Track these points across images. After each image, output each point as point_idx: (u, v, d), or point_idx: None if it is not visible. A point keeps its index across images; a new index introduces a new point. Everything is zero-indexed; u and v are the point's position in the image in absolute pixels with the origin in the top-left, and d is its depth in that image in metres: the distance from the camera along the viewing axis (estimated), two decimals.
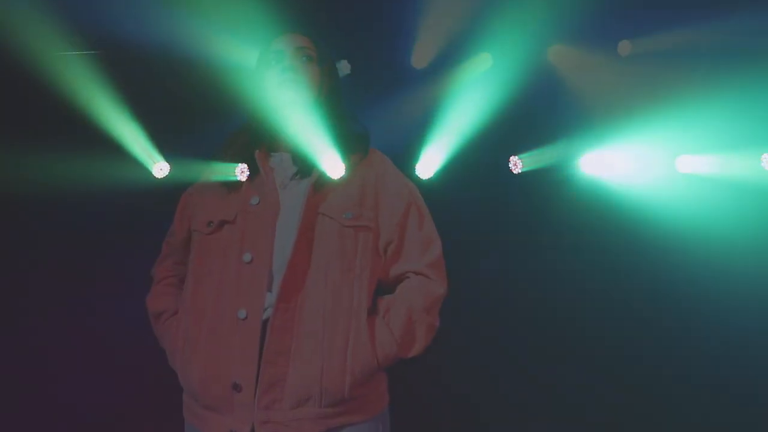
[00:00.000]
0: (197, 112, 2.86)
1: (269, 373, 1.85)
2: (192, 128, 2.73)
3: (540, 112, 3.16)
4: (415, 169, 2.88)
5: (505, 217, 3.31)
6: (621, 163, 2.99)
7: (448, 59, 3.11)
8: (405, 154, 2.84)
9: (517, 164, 2.95)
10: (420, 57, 3.13)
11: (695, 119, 2.87)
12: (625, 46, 3.02)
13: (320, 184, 2.00)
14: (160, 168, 2.62)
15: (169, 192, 2.37)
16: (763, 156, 2.74)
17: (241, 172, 2.08)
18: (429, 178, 2.89)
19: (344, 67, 2.98)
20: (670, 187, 2.97)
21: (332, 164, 2.01)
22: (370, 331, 1.93)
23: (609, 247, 3.21)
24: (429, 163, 2.90)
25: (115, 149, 2.59)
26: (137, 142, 2.58)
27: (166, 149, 2.62)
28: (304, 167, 2.02)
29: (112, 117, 2.61)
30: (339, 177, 2.02)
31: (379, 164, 2.11)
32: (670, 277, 3.15)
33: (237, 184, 2.05)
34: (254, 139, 2.09)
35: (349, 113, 2.16)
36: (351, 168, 2.05)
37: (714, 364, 3.13)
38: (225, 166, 2.06)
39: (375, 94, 2.94)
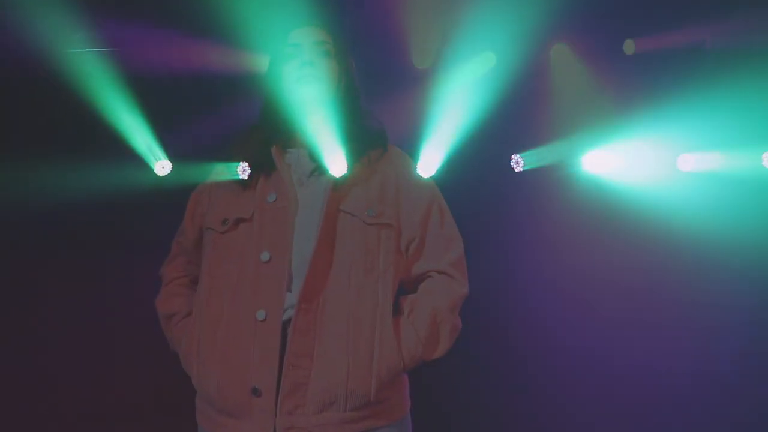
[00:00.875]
0: (204, 107, 2.83)
1: (292, 376, 1.80)
2: (198, 124, 2.70)
3: (541, 110, 3.16)
4: (415, 168, 2.86)
5: (506, 216, 3.30)
6: (622, 162, 2.99)
7: (450, 59, 3.09)
8: (405, 152, 2.83)
9: (518, 163, 2.94)
10: (421, 56, 3.12)
11: (697, 117, 2.88)
12: (630, 45, 3.03)
13: (340, 181, 1.95)
14: (162, 166, 2.57)
15: (171, 190, 2.34)
16: (764, 154, 2.76)
17: (242, 170, 2.05)
18: (430, 177, 2.87)
19: None
20: (671, 186, 2.98)
21: (351, 161, 1.97)
22: (395, 331, 1.88)
23: (610, 246, 3.21)
24: (430, 162, 2.89)
25: (116, 146, 2.55)
26: (140, 139, 2.53)
27: (169, 147, 2.57)
28: (322, 164, 1.97)
29: (115, 113, 2.56)
30: (359, 174, 1.98)
31: (398, 161, 2.09)
32: (670, 275, 3.16)
33: (251, 181, 2.00)
34: (270, 135, 2.04)
35: (366, 109, 2.13)
36: (370, 164, 2.01)
37: (714, 363, 3.15)
38: (237, 165, 2.01)
39: (376, 94, 2.92)
